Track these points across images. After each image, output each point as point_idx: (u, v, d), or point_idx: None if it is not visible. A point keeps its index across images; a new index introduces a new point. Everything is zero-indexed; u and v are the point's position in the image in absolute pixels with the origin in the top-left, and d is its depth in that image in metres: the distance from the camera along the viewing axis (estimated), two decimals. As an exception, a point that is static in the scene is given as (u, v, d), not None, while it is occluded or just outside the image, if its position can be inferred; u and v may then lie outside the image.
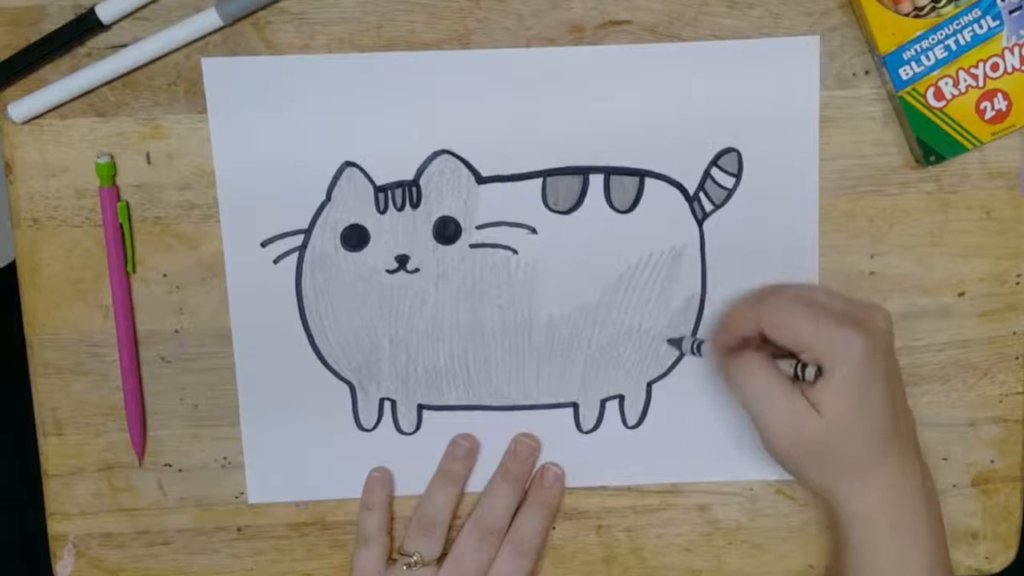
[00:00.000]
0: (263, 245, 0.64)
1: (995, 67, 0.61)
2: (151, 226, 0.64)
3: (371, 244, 0.64)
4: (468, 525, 0.65)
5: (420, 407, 0.66)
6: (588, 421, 0.67)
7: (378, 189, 0.63)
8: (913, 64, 0.61)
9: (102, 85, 0.62)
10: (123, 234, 0.63)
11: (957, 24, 0.60)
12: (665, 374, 0.66)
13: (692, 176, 0.64)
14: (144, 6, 0.61)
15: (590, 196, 0.64)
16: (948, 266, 0.65)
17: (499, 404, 0.66)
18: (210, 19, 0.61)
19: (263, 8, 0.62)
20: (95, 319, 0.65)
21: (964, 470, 0.68)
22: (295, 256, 0.64)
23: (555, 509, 0.67)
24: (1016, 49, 0.61)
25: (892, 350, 0.60)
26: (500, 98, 0.63)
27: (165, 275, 0.64)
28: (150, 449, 0.66)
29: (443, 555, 0.65)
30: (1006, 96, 0.61)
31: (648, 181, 0.64)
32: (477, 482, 0.67)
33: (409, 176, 0.63)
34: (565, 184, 0.64)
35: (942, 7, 0.61)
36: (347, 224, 0.64)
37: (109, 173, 0.63)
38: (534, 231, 0.64)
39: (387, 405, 0.66)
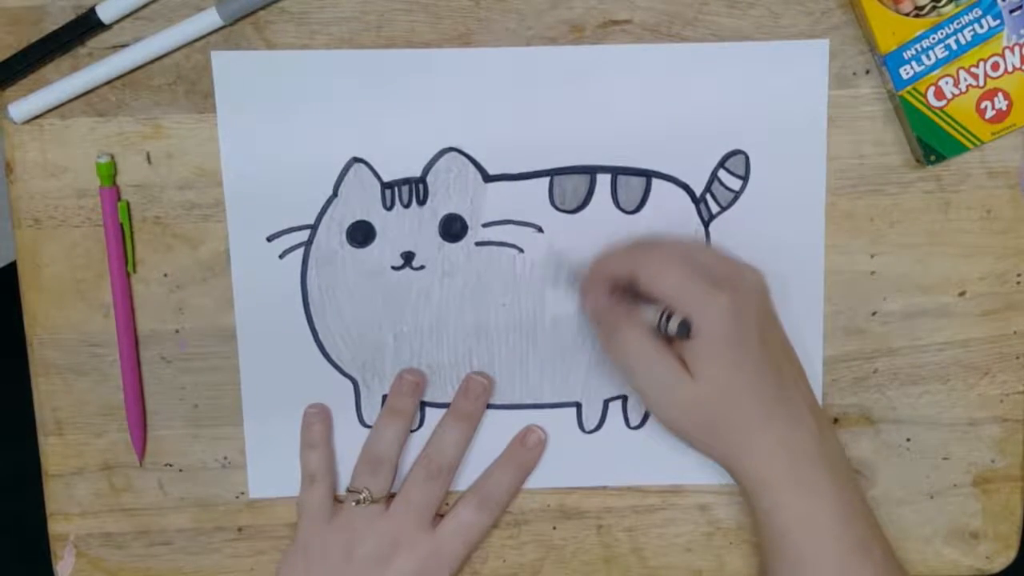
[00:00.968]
0: (269, 240, 0.64)
1: (995, 66, 0.61)
2: (151, 226, 0.64)
3: (377, 240, 0.64)
4: (417, 462, 0.65)
5: (423, 404, 0.66)
6: (591, 421, 0.67)
7: (385, 185, 0.63)
8: (913, 63, 0.61)
9: (102, 85, 0.62)
10: (123, 234, 0.63)
11: (957, 23, 0.60)
12: (667, 374, 0.66)
13: (699, 177, 0.64)
14: (144, 6, 0.61)
15: (597, 196, 0.64)
16: (948, 266, 0.65)
17: (502, 403, 0.66)
18: (210, 19, 0.61)
19: (263, 8, 0.62)
20: (95, 319, 0.65)
21: (964, 470, 0.68)
22: (300, 251, 0.64)
23: (529, 471, 0.67)
24: (1016, 48, 0.61)
25: (766, 310, 0.60)
26: (508, 96, 0.63)
27: (165, 275, 0.64)
28: (150, 449, 0.66)
29: (393, 494, 0.65)
30: (1006, 95, 0.61)
31: (655, 182, 0.64)
32: (467, 479, 0.66)
33: (416, 173, 0.63)
34: (572, 183, 0.64)
35: (942, 6, 0.61)
36: (353, 220, 0.64)
37: (109, 173, 0.63)
38: (540, 230, 0.64)
39: (390, 403, 0.66)
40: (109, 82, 0.62)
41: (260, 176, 0.63)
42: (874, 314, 0.66)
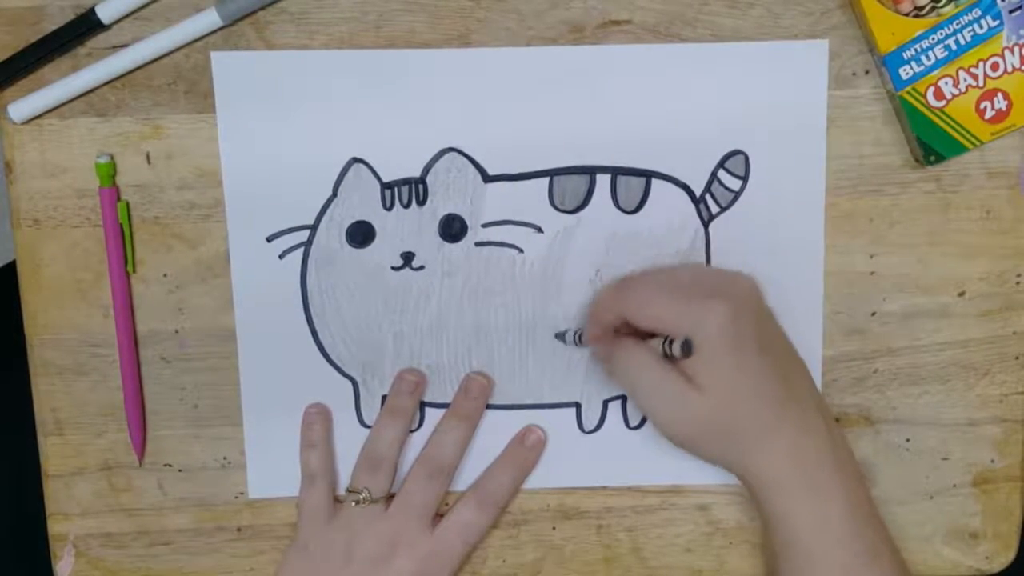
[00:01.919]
0: (269, 240, 0.64)
1: (995, 67, 0.61)
2: (151, 226, 0.64)
3: (376, 241, 0.64)
4: (417, 462, 0.65)
5: (423, 404, 0.66)
6: (590, 421, 0.67)
7: (385, 186, 0.63)
8: (913, 64, 0.61)
9: (102, 85, 0.62)
10: (123, 234, 0.63)
11: (957, 24, 0.60)
12: (667, 374, 0.66)
13: (699, 178, 0.64)
14: (144, 6, 0.61)
15: (596, 196, 0.64)
16: (948, 266, 0.65)
17: (502, 403, 0.66)
18: (210, 19, 0.61)
19: (263, 8, 0.62)
20: (95, 319, 0.65)
21: (964, 470, 0.68)
22: (300, 251, 0.64)
23: (529, 471, 0.67)
24: (1016, 49, 0.61)
25: (763, 314, 0.60)
26: (508, 96, 0.63)
27: (165, 275, 0.64)
28: (150, 449, 0.66)
29: (393, 494, 0.65)
30: (1006, 96, 0.61)
31: (655, 182, 0.64)
32: (467, 479, 0.66)
33: (416, 173, 0.63)
34: (572, 184, 0.64)
35: (942, 7, 0.61)
36: (353, 220, 0.64)
37: (109, 173, 0.63)
38: (540, 230, 0.64)
39: (389, 403, 0.66)
40: (109, 82, 0.62)
41: (260, 176, 0.63)
42: (874, 314, 0.66)
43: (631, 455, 0.67)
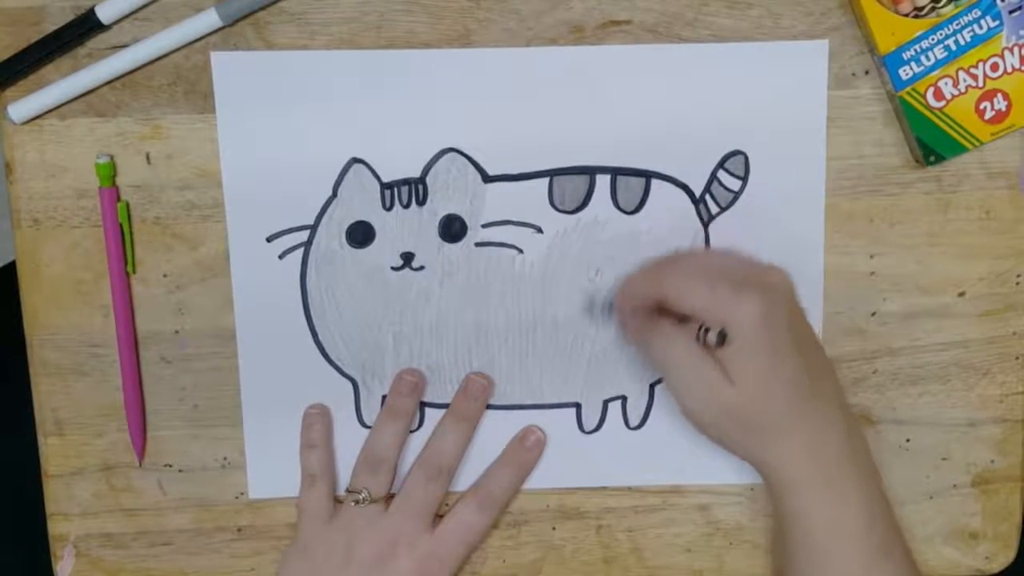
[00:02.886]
0: (268, 240, 0.64)
1: (995, 67, 0.61)
2: (151, 226, 0.64)
3: (376, 241, 0.64)
4: (417, 463, 0.65)
5: (423, 405, 0.66)
6: (590, 422, 0.67)
7: (384, 186, 0.63)
8: (913, 64, 0.61)
9: (102, 85, 0.62)
10: (123, 234, 0.63)
11: (957, 24, 0.60)
12: (668, 375, 0.66)
13: (699, 178, 0.64)
14: (144, 6, 0.61)
15: (596, 196, 0.64)
16: (948, 266, 0.65)
17: (502, 403, 0.66)
18: (210, 19, 0.61)
19: (263, 8, 0.62)
20: (95, 319, 0.65)
21: (964, 470, 0.68)
22: (300, 252, 0.64)
23: (529, 471, 0.67)
24: (1016, 49, 0.61)
25: (795, 308, 0.60)
26: (508, 97, 0.63)
27: (165, 275, 0.64)
28: (150, 449, 0.66)
29: (393, 494, 0.65)
30: (1006, 96, 0.61)
31: (654, 182, 0.64)
32: (467, 479, 0.66)
33: (415, 174, 0.63)
34: (572, 184, 0.64)
35: (942, 7, 0.61)
36: (353, 221, 0.64)
37: (109, 173, 0.63)
38: (540, 230, 0.64)
39: (389, 403, 0.66)
40: (109, 82, 0.62)
41: (260, 176, 0.63)
42: (874, 314, 0.66)
43: (631, 455, 0.67)
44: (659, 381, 0.66)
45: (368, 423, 0.66)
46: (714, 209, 0.64)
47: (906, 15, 0.61)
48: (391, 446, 0.65)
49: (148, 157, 0.63)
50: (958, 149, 0.63)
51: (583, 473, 0.67)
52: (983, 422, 0.67)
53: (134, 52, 0.61)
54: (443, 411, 0.66)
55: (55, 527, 0.67)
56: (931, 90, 0.61)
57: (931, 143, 0.62)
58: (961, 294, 0.66)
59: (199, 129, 0.63)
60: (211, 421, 0.66)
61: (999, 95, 0.61)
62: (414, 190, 0.63)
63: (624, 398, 0.66)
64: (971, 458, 0.68)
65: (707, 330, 0.58)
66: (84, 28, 0.61)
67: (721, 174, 0.64)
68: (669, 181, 0.64)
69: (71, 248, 0.64)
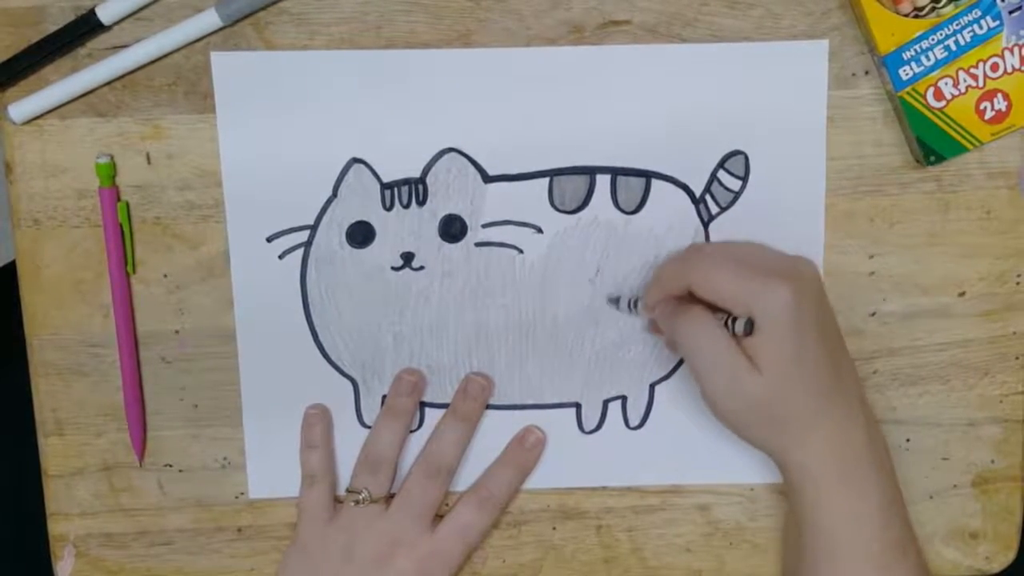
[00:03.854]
0: (269, 240, 0.64)
1: (995, 67, 0.61)
2: (151, 226, 0.64)
3: (376, 241, 0.64)
4: (417, 463, 0.65)
5: (423, 405, 0.66)
6: (590, 422, 0.67)
7: (384, 186, 0.63)
8: (913, 64, 0.61)
9: (102, 85, 0.62)
10: (123, 234, 0.63)
11: (957, 24, 0.60)
12: (668, 376, 0.66)
13: (699, 178, 0.64)
14: (144, 7, 0.61)
15: (596, 196, 0.64)
16: (948, 266, 0.65)
17: (501, 403, 0.66)
18: (210, 19, 0.61)
19: (263, 8, 0.62)
20: (95, 319, 0.65)
21: (964, 470, 0.68)
22: (300, 252, 0.64)
23: (529, 471, 0.67)
24: (1016, 49, 0.61)
25: (822, 300, 0.60)
26: (508, 97, 0.63)
27: (165, 275, 0.64)
28: (150, 449, 0.66)
29: (393, 494, 0.65)
30: (1006, 96, 0.61)
31: (654, 182, 0.64)
32: (467, 479, 0.66)
33: (416, 174, 0.63)
34: (572, 184, 0.64)
35: (942, 7, 0.61)
36: (353, 221, 0.64)
37: (109, 173, 0.63)
38: (540, 231, 0.64)
39: (389, 403, 0.66)
40: (109, 83, 0.62)
41: (260, 176, 0.63)
42: (873, 314, 0.66)
43: (631, 455, 0.67)
44: (659, 381, 0.66)
45: (368, 423, 0.66)
46: (714, 209, 0.64)
47: (906, 15, 0.61)
48: (391, 446, 0.65)
49: (148, 157, 0.63)
50: (958, 149, 0.63)
51: (583, 473, 0.67)
52: (983, 422, 0.67)
53: (134, 52, 0.61)
54: (443, 411, 0.66)
55: (55, 527, 0.67)
56: (931, 90, 0.61)
57: (931, 143, 0.62)
58: (961, 294, 0.66)
59: (199, 129, 0.63)
60: (211, 421, 0.66)
61: (999, 95, 0.61)
62: (414, 190, 0.63)
63: (624, 398, 0.66)
64: (971, 458, 0.68)
65: (735, 318, 0.57)
66: (84, 28, 0.61)
67: (721, 174, 0.64)
68: (669, 181, 0.64)
69: (71, 248, 0.64)
